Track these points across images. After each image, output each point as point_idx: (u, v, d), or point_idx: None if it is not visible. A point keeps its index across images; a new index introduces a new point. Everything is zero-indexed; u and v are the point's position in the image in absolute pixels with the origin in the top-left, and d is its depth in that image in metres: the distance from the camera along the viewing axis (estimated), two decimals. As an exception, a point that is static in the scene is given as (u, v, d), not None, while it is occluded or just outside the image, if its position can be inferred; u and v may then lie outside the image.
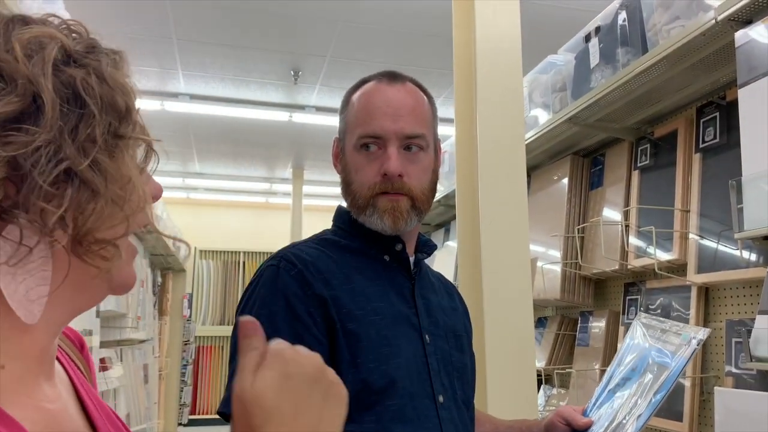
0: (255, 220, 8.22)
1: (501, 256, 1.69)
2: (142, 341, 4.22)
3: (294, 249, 0.90)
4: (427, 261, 1.02)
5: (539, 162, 2.44)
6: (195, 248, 7.78)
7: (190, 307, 7.36)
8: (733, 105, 1.58)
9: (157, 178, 0.55)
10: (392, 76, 0.95)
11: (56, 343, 0.52)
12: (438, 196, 3.07)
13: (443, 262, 3.07)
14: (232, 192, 7.87)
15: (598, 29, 1.91)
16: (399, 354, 0.85)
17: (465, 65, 1.81)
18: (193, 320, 7.49)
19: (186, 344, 6.88)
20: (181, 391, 6.71)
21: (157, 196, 0.54)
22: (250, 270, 7.95)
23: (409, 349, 0.86)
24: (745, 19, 1.41)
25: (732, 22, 1.42)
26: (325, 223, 1.01)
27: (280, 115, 5.23)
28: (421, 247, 0.97)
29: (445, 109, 4.96)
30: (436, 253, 3.21)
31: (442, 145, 3.49)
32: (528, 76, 2.30)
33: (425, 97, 0.97)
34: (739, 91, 1.40)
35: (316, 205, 7.75)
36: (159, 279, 5.65)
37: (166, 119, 5.12)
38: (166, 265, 5.88)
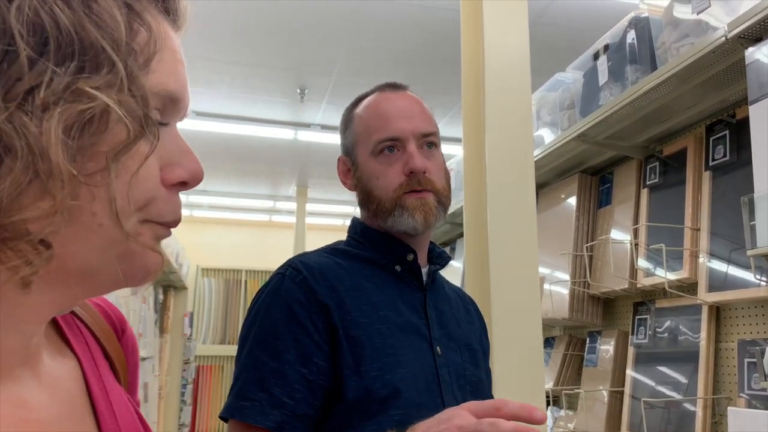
0: (258, 238, 8.21)
1: (509, 274, 1.67)
2: (143, 359, 4.19)
3: (303, 257, 0.90)
4: None
5: (547, 180, 2.43)
6: (197, 266, 7.76)
7: (191, 325, 7.32)
8: (743, 123, 1.57)
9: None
10: (394, 86, 0.98)
11: (38, 340, 0.41)
12: (443, 214, 3.06)
13: (449, 280, 3.05)
14: (236, 210, 7.87)
15: (606, 47, 1.92)
16: (405, 364, 0.84)
17: (473, 83, 1.81)
18: (194, 339, 7.44)
19: (186, 363, 6.83)
20: (181, 411, 6.64)
21: (168, 179, 0.41)
22: (252, 288, 7.92)
23: (417, 360, 0.85)
24: (754, 36, 1.41)
25: (742, 40, 1.42)
26: (329, 241, 1.01)
27: (286, 133, 5.25)
28: (434, 258, 0.96)
29: (450, 128, 4.98)
30: (440, 271, 3.20)
31: (448, 164, 3.48)
32: (536, 94, 2.31)
33: (423, 102, 0.99)
34: (749, 108, 1.39)
35: (320, 223, 7.75)
36: (161, 296, 5.62)
37: (171, 136, 5.13)
38: (167, 282, 5.86)
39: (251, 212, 8.01)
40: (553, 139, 2.15)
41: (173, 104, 0.42)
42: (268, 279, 0.89)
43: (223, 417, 0.82)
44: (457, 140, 1.91)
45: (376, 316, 0.85)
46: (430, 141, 0.93)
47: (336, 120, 1.05)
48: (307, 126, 5.20)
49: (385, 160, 0.91)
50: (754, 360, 1.51)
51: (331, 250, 0.94)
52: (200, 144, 5.57)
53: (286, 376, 0.79)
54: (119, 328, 0.53)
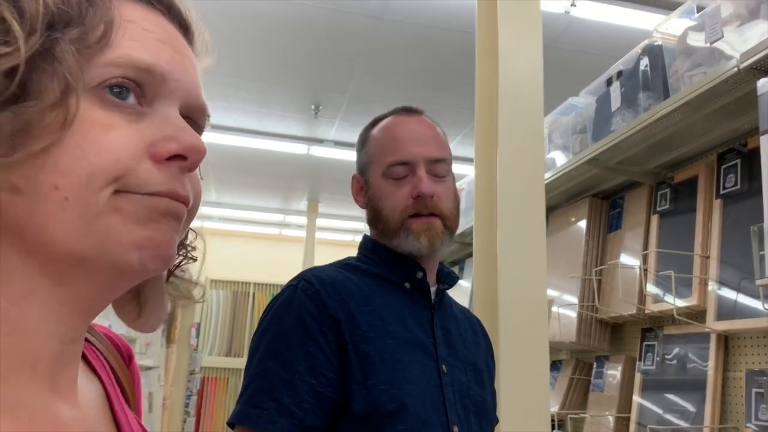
0: (267, 251, 8.25)
1: (518, 296, 1.67)
2: (149, 368, 4.20)
3: (315, 270, 0.92)
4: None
5: (557, 203, 2.44)
6: (206, 277, 7.80)
7: (197, 336, 7.33)
8: (755, 152, 1.58)
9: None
10: (409, 110, 1.01)
11: (73, 351, 0.41)
12: (453, 233, 3.07)
13: (456, 299, 3.05)
14: (247, 222, 7.92)
15: (620, 73, 1.93)
16: (412, 380, 0.85)
17: (486, 104, 1.83)
18: (200, 350, 7.45)
19: (192, 374, 6.83)
20: (184, 422, 6.63)
21: (159, 153, 0.39)
22: (260, 301, 7.94)
23: (424, 377, 0.86)
24: (765, 68, 1.42)
25: (754, 71, 1.43)
26: (338, 256, 1.02)
27: (299, 148, 5.31)
28: (443, 278, 0.98)
29: (462, 148, 5.01)
30: (449, 290, 3.20)
31: (459, 183, 3.49)
32: (548, 117, 2.32)
33: (440, 127, 1.01)
34: (761, 138, 1.40)
35: (330, 238, 7.78)
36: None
37: (186, 148, 5.20)
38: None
39: (262, 225, 8.06)
40: (564, 163, 2.16)
41: (154, 78, 0.40)
42: (280, 290, 0.91)
43: (231, 423, 0.84)
44: (468, 160, 1.93)
45: (386, 332, 0.86)
46: (440, 166, 0.95)
47: (349, 137, 1.07)
48: (320, 142, 5.25)
49: (394, 182, 0.93)
50: (762, 390, 1.50)
51: (343, 265, 0.96)
52: (215, 157, 5.63)
53: (295, 387, 0.81)
54: (126, 357, 0.53)
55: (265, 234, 8.30)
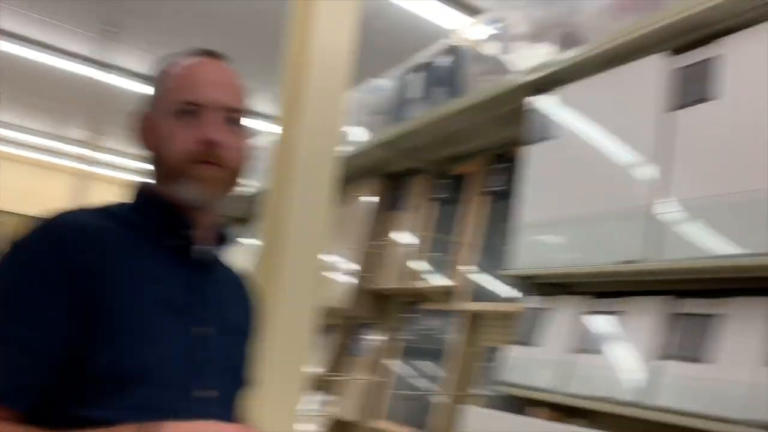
0: (32, 179, 7.31)
1: (299, 260, 1.72)
2: None
3: (67, 215, 0.82)
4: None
5: (350, 178, 2.52)
6: (-52, 199, 6.67)
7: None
8: (519, 159, 1.80)
9: None
10: (212, 54, 0.95)
11: None
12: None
13: (242, 257, 3.02)
14: (9, 143, 6.93)
15: (422, 65, 2.06)
16: (160, 341, 0.81)
17: (295, 70, 1.82)
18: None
19: None
20: None
21: None
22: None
23: (174, 339, 0.82)
24: (539, 87, 1.62)
25: (528, 88, 1.62)
26: (116, 195, 0.94)
27: (83, 70, 4.76)
28: (217, 237, 0.94)
29: (264, 106, 4.91)
30: (236, 247, 3.14)
31: (261, 141, 3.37)
32: (354, 94, 2.38)
33: (241, 80, 0.97)
34: (524, 148, 1.61)
35: (108, 175, 7.14)
36: None
37: (-64, 43, 4.36)
38: None
39: (28, 149, 7.11)
40: (361, 141, 2.25)
41: None
42: (23, 233, 0.80)
43: None
44: (272, 117, 1.91)
45: (139, 290, 0.81)
46: (234, 117, 0.90)
47: (145, 68, 0.99)
48: (111, 68, 4.76)
49: (183, 123, 0.86)
50: (493, 364, 1.74)
51: (103, 211, 0.87)
52: (-25, 60, 4.80)
53: (17, 344, 0.73)
54: None
55: (32, 159, 7.34)
